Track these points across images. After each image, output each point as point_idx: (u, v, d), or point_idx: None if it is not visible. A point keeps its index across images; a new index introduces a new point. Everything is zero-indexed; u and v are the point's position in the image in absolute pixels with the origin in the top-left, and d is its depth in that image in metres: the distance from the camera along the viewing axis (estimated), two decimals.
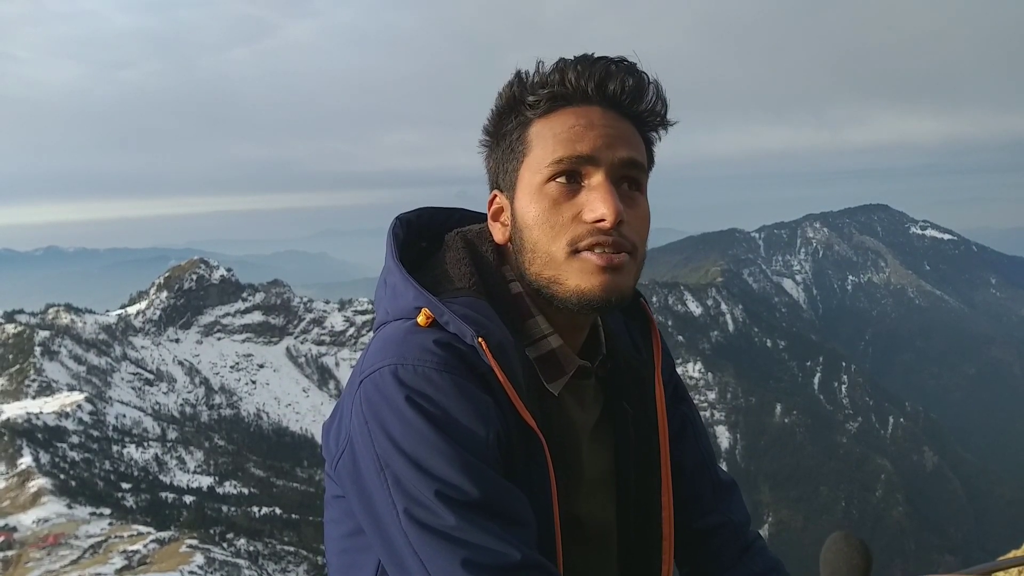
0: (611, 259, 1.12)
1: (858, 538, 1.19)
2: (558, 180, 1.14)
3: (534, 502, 1.10)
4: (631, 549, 1.31)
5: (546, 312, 1.20)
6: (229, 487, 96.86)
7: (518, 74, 1.18)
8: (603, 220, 1.10)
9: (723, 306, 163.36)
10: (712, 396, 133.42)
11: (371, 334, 1.22)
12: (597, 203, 1.11)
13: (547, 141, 1.15)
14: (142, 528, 68.00)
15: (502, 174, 1.21)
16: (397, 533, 1.03)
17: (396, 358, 1.07)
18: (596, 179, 1.13)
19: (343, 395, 1.16)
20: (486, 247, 1.25)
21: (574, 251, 1.13)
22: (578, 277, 1.13)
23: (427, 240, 1.31)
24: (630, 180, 1.17)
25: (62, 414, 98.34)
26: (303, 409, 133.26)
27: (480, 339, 1.08)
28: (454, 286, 1.18)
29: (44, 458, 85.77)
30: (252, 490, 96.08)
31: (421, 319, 1.11)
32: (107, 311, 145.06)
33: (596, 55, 1.17)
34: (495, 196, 1.24)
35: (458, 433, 1.03)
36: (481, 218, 1.34)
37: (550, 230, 1.13)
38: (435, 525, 1.00)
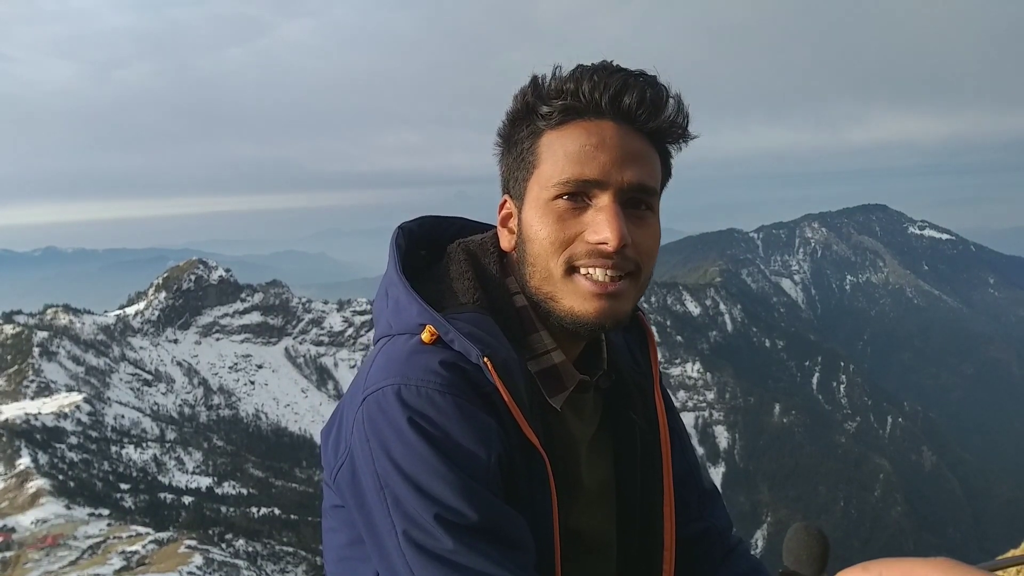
0: (606, 287, 1.12)
1: (817, 528, 1.27)
2: (565, 198, 1.13)
3: (535, 518, 1.10)
4: (630, 560, 1.33)
5: (549, 326, 1.20)
6: (228, 488, 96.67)
7: (534, 80, 1.16)
8: (605, 244, 1.10)
9: (722, 306, 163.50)
10: (711, 396, 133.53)
11: (370, 335, 1.20)
12: (602, 225, 1.10)
13: (557, 157, 1.14)
14: (141, 529, 67.94)
15: (512, 181, 1.21)
16: (395, 552, 1.03)
17: (400, 378, 1.06)
18: (603, 200, 1.12)
19: (342, 405, 1.16)
20: (489, 259, 1.24)
21: (571, 269, 1.13)
22: (572, 299, 1.13)
23: (427, 249, 1.30)
24: (639, 201, 1.15)
25: (60, 415, 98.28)
26: (302, 410, 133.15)
27: (485, 359, 1.08)
28: (458, 301, 1.17)
29: (43, 459, 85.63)
30: (251, 491, 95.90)
31: (425, 336, 1.10)
32: (105, 312, 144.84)
33: (615, 65, 1.15)
34: (505, 201, 1.24)
35: (459, 456, 1.03)
36: (482, 228, 1.34)
37: (550, 246, 1.13)
38: (433, 548, 1.00)
